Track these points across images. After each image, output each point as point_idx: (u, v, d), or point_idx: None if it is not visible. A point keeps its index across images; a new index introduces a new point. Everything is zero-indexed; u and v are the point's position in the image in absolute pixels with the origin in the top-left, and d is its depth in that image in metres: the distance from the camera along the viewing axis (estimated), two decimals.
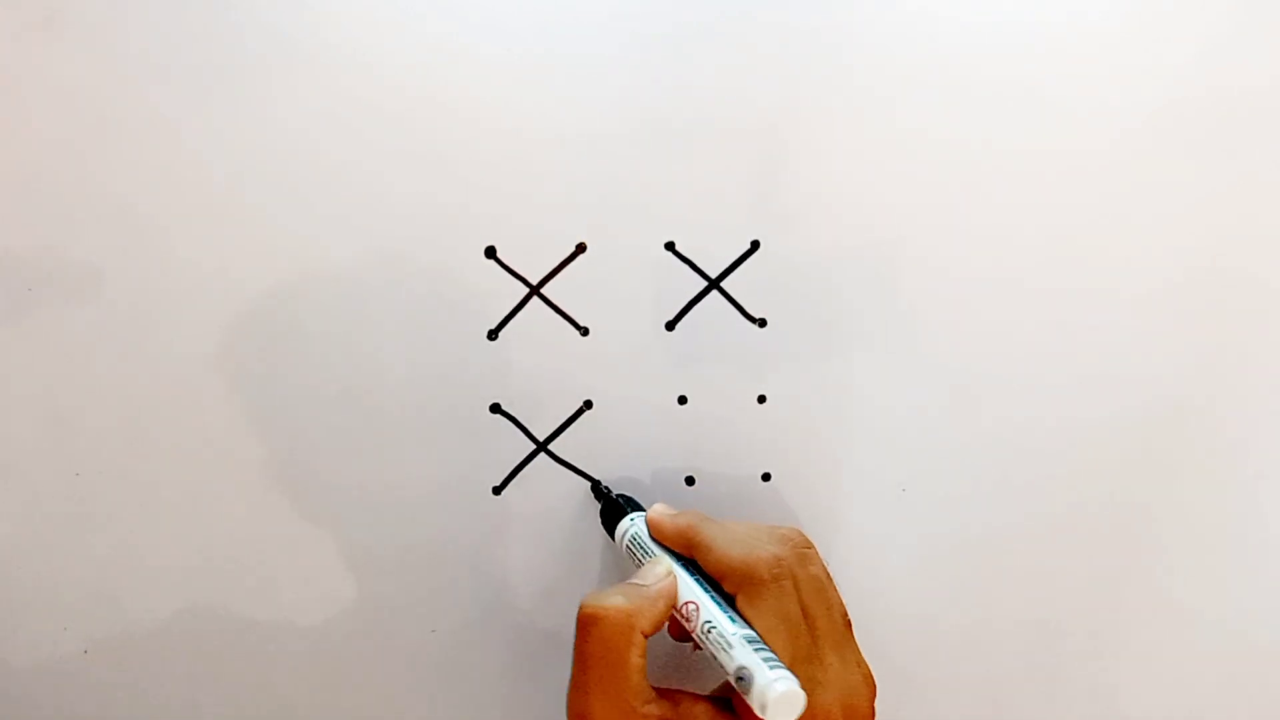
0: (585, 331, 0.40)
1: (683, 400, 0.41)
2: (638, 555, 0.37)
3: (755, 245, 0.40)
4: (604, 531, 0.40)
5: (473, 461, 0.40)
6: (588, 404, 0.40)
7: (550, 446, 0.40)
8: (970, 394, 0.42)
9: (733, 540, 0.35)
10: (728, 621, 0.33)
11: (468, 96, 0.37)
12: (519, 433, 0.40)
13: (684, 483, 0.41)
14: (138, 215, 0.36)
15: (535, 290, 0.39)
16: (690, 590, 0.35)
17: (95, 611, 0.40)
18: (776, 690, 0.30)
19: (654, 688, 0.33)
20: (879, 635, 0.42)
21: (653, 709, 0.33)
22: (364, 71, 0.36)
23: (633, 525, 0.38)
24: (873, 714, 0.34)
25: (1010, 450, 0.42)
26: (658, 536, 0.37)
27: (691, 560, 0.36)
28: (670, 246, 0.39)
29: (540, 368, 0.40)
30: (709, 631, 0.33)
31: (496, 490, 0.40)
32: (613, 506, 0.40)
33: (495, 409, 0.40)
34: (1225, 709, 0.46)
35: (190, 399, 0.38)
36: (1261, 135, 0.41)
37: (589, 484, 0.41)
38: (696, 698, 0.34)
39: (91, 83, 0.35)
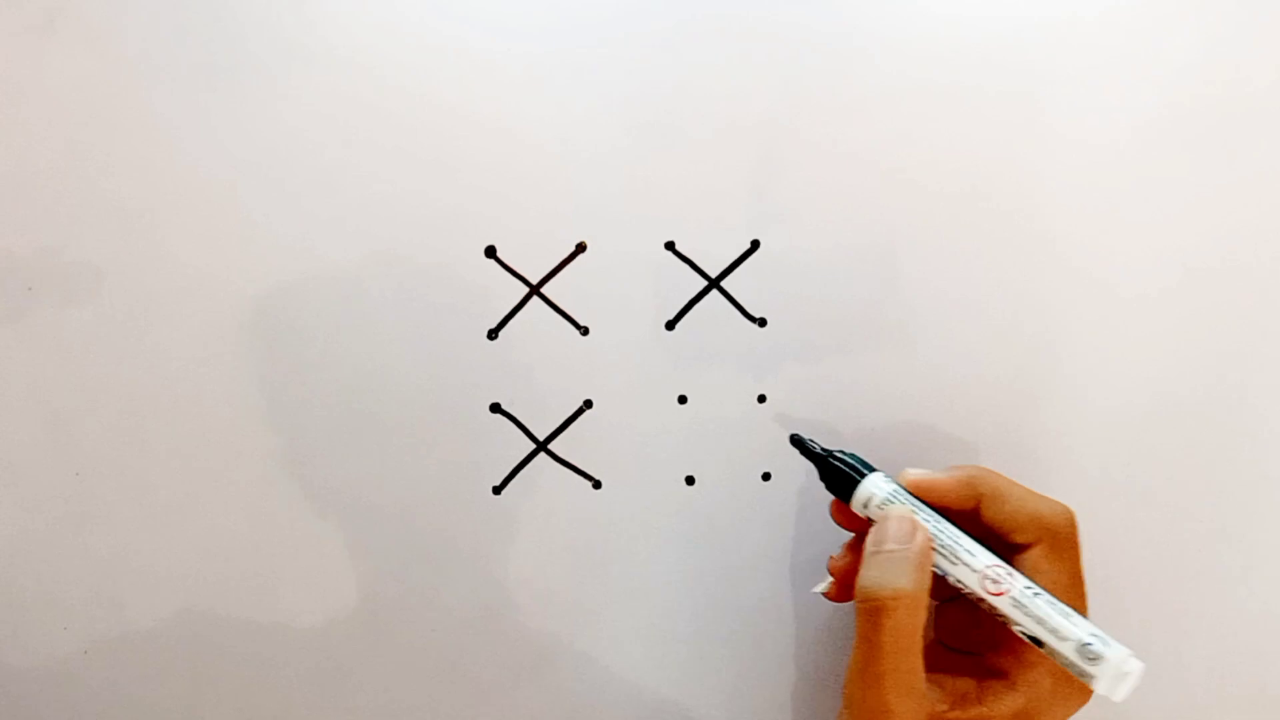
0: (585, 331, 0.40)
1: (683, 400, 0.41)
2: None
3: (755, 245, 0.40)
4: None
5: (473, 461, 0.40)
6: (588, 404, 0.40)
7: (550, 446, 0.40)
8: (970, 394, 0.42)
9: (1024, 490, 0.34)
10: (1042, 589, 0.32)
11: (468, 97, 0.37)
12: (519, 433, 0.40)
13: (684, 482, 0.41)
14: (138, 215, 0.36)
15: (535, 290, 0.39)
16: (989, 553, 0.33)
17: (95, 611, 0.40)
18: (1133, 665, 0.29)
19: None
20: None
21: (933, 690, 0.32)
22: (364, 72, 0.36)
23: (882, 486, 0.35)
24: None
25: (1010, 450, 0.42)
26: (928, 496, 0.35)
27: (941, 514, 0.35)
28: (670, 246, 0.39)
29: (540, 368, 0.40)
30: (1035, 596, 0.32)
31: (496, 490, 0.40)
32: (836, 473, 0.37)
33: (495, 409, 0.40)
34: (1226, 708, 0.46)
35: (190, 399, 0.38)
36: (1263, 135, 0.41)
37: (791, 439, 0.38)
38: (956, 676, 0.33)
39: (91, 83, 0.35)
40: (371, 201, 0.37)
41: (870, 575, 0.33)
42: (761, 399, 0.41)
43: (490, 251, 0.38)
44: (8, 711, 0.40)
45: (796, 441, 0.38)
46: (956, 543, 0.34)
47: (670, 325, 0.40)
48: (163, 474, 0.39)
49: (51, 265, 0.36)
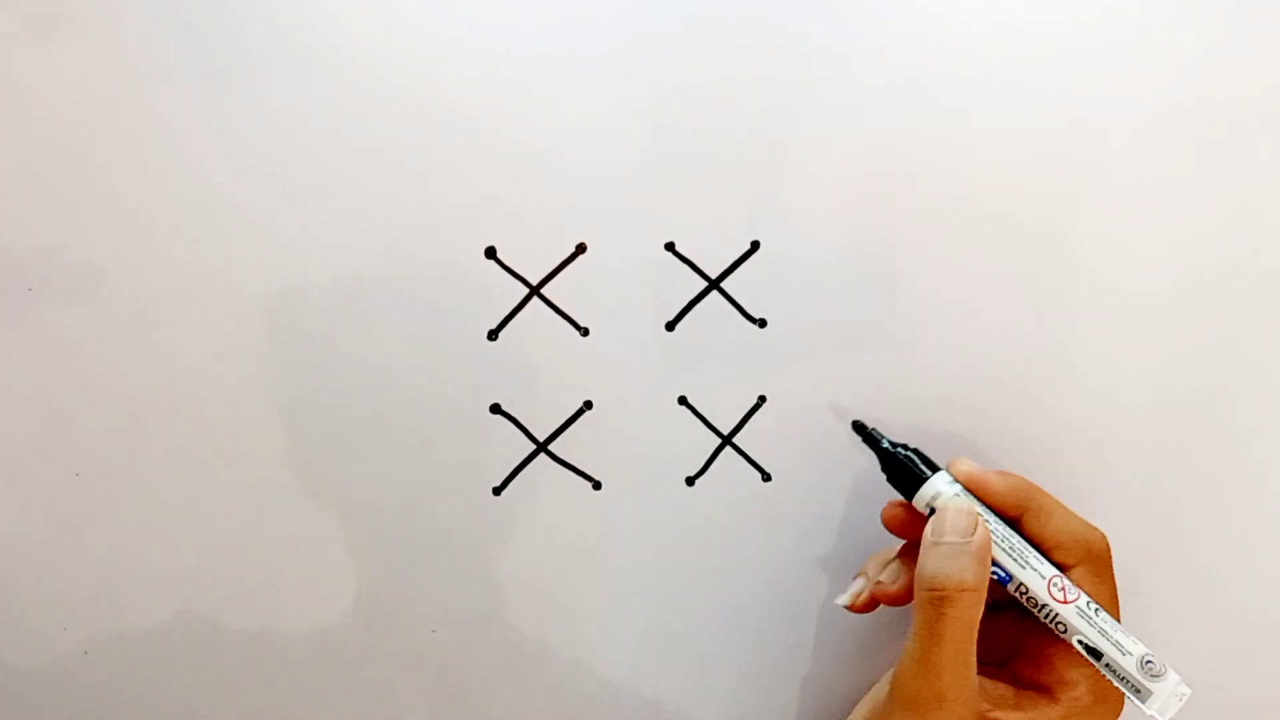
0: (585, 331, 0.40)
1: (683, 400, 0.41)
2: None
3: (755, 245, 0.40)
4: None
5: (473, 461, 0.40)
6: (588, 404, 0.40)
7: (550, 446, 0.40)
8: (970, 394, 0.42)
9: (1068, 510, 0.35)
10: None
11: (468, 97, 0.37)
12: (519, 433, 0.40)
13: (684, 483, 0.41)
14: (137, 215, 0.36)
15: (535, 290, 0.39)
16: (1049, 562, 0.34)
17: (95, 611, 0.40)
18: (1185, 690, 0.30)
19: None
20: (879, 633, 0.43)
21: (983, 683, 0.33)
22: (364, 72, 0.36)
23: (945, 488, 0.36)
24: None
25: (1010, 451, 0.42)
26: (979, 492, 0.36)
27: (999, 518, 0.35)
28: (670, 247, 0.39)
29: (540, 368, 0.40)
30: (1097, 613, 0.32)
31: (496, 490, 0.40)
32: (902, 469, 0.37)
33: (495, 409, 0.40)
34: (1226, 708, 0.46)
35: (190, 399, 0.38)
36: (1263, 135, 0.41)
37: (852, 426, 0.39)
38: (994, 680, 0.34)
39: (91, 83, 0.35)
40: (371, 201, 0.37)
41: (934, 565, 0.33)
42: (761, 399, 0.41)
43: (490, 252, 0.38)
44: (8, 711, 0.40)
45: (859, 428, 0.39)
46: (1026, 547, 0.34)
47: (670, 326, 0.40)
48: (163, 474, 0.39)
49: (51, 265, 0.36)
